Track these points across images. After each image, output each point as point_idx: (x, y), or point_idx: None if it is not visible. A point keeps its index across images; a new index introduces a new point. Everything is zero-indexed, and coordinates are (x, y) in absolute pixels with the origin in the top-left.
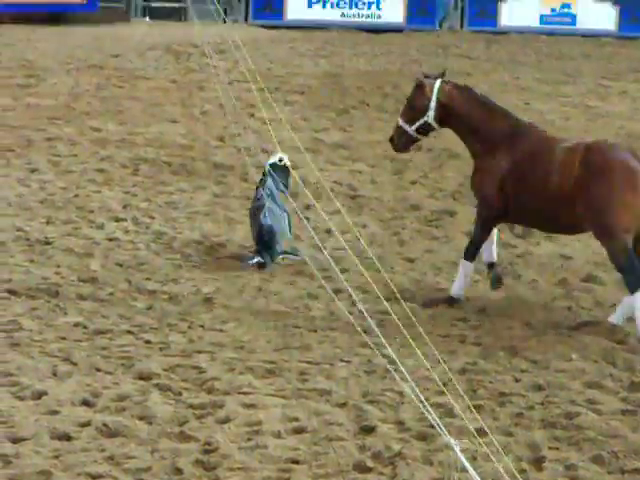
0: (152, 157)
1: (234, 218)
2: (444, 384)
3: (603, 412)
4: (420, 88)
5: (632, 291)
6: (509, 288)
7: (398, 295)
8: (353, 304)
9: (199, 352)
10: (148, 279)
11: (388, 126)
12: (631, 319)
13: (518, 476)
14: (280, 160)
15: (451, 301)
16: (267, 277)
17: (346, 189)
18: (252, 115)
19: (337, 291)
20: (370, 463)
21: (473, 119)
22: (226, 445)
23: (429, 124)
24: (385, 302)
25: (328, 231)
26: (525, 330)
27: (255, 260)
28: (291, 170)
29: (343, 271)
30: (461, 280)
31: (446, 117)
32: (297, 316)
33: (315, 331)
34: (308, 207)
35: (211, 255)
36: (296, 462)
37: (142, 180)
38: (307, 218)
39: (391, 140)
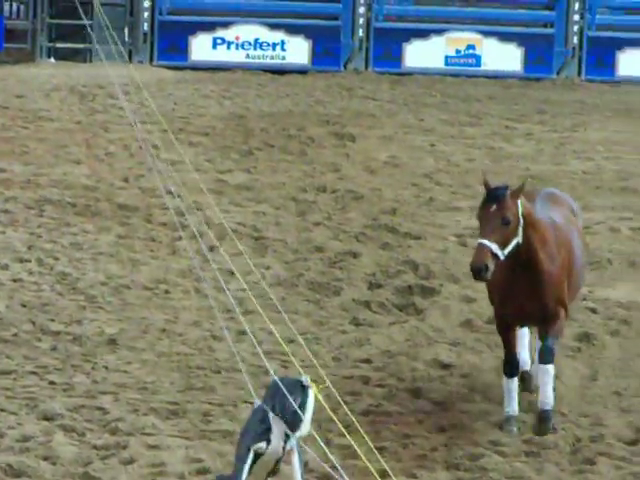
0: (57, 198)
1: (138, 259)
2: (347, 426)
3: (507, 454)
4: (514, 206)
5: None
6: (413, 329)
7: (300, 338)
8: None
9: (103, 393)
10: (52, 320)
11: (292, 167)
12: None
13: None
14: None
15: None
16: (171, 318)
17: (250, 230)
18: (156, 156)
19: (241, 332)
20: None
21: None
22: None
23: (517, 245)
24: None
25: (231, 273)
26: (429, 371)
27: None
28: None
29: (247, 313)
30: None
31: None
32: (201, 357)
33: (219, 372)
34: (212, 248)
35: (115, 296)
36: None
37: (46, 221)
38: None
39: (485, 269)
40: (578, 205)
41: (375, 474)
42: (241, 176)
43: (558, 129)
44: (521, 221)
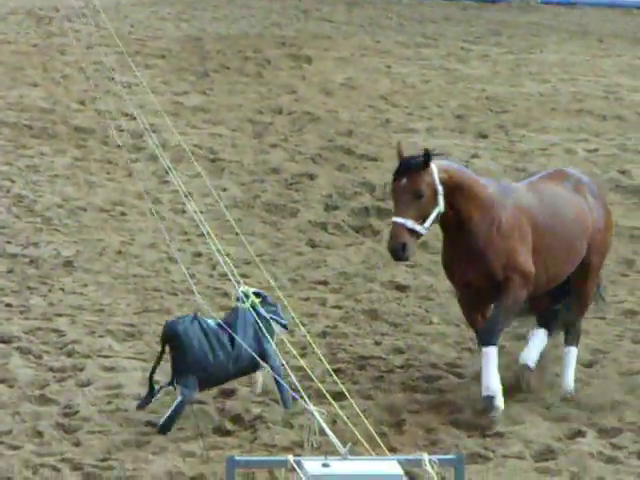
0: (13, 121)
1: (95, 182)
2: (303, 347)
3: (464, 376)
4: (425, 174)
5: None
6: (370, 251)
7: (256, 259)
8: (213, 268)
9: (59, 315)
10: (9, 242)
11: (249, 89)
12: None
13: (378, 439)
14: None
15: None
16: (128, 240)
17: (206, 152)
18: (112, 79)
19: (197, 254)
20: (230, 426)
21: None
22: (86, 408)
23: (441, 213)
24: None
25: (189, 194)
26: (386, 293)
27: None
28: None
29: (203, 235)
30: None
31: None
32: (157, 279)
33: (175, 294)
34: (168, 171)
35: (72, 218)
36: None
37: (3, 143)
38: (167, 182)
39: (402, 248)
40: (597, 187)
41: (329, 397)
42: (197, 98)
43: (514, 51)
44: (439, 189)
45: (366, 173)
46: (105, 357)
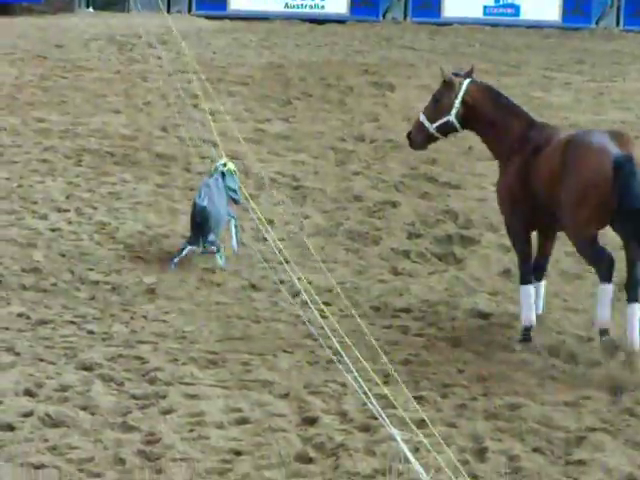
0: (95, 147)
1: (177, 208)
2: (386, 375)
3: (546, 403)
4: (448, 86)
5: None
6: (453, 279)
7: (338, 287)
8: (295, 295)
9: (142, 342)
10: (91, 269)
11: (331, 117)
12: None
13: (460, 467)
14: (224, 165)
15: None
16: (210, 268)
17: (289, 180)
18: (195, 106)
19: (280, 282)
20: (312, 454)
21: (497, 122)
22: (169, 436)
23: (451, 123)
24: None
25: (270, 222)
26: (468, 321)
27: (186, 250)
28: (237, 176)
29: (285, 262)
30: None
31: (470, 119)
32: (240, 307)
33: (258, 322)
34: (251, 197)
35: (154, 246)
36: (238, 453)
37: (85, 170)
38: (249, 209)
39: (408, 135)
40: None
41: (411, 424)
42: (280, 125)
43: (597, 79)
44: (457, 103)
45: (449, 201)
46: (187, 384)
